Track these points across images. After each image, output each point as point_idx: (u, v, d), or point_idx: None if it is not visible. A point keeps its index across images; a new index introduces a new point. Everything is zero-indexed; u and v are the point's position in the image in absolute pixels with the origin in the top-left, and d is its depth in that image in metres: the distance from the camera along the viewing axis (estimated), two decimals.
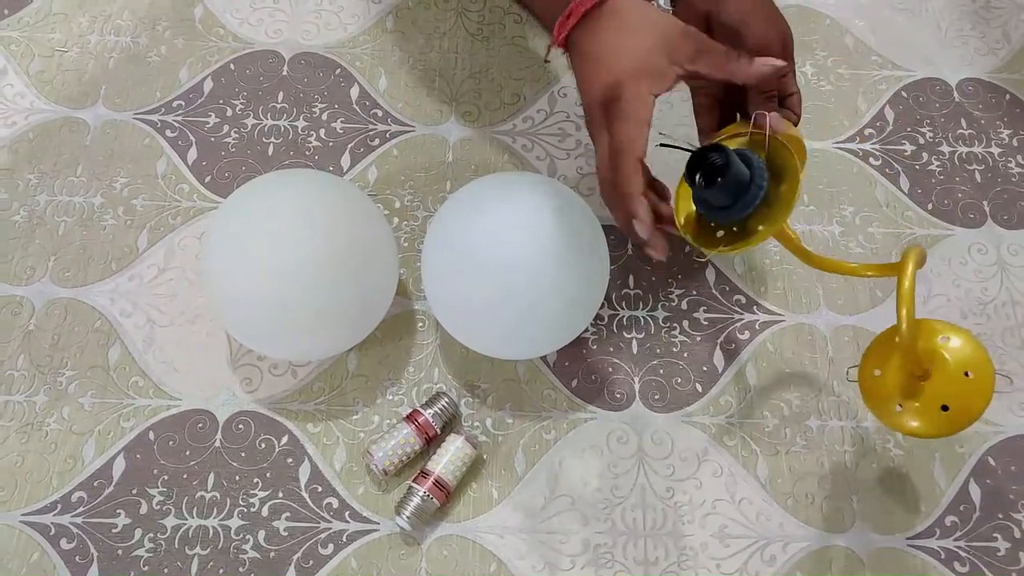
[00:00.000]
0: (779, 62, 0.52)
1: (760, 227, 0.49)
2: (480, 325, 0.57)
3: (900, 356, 0.52)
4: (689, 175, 0.48)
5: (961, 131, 0.75)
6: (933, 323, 0.53)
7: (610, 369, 0.63)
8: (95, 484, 0.58)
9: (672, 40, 0.52)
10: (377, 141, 0.72)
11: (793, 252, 0.57)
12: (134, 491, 0.58)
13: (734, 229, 0.51)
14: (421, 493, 0.56)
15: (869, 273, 0.58)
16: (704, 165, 0.48)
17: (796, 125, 0.58)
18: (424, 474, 0.57)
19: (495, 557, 0.57)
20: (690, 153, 0.48)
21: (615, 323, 0.65)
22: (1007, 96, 0.77)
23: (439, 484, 0.56)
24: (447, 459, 0.57)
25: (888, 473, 0.60)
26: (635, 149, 0.51)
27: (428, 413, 0.58)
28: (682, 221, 0.52)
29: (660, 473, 0.60)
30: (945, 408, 0.51)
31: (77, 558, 0.56)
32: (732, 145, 0.50)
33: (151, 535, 0.56)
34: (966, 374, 0.51)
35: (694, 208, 0.52)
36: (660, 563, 0.57)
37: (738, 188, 0.47)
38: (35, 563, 0.55)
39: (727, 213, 0.49)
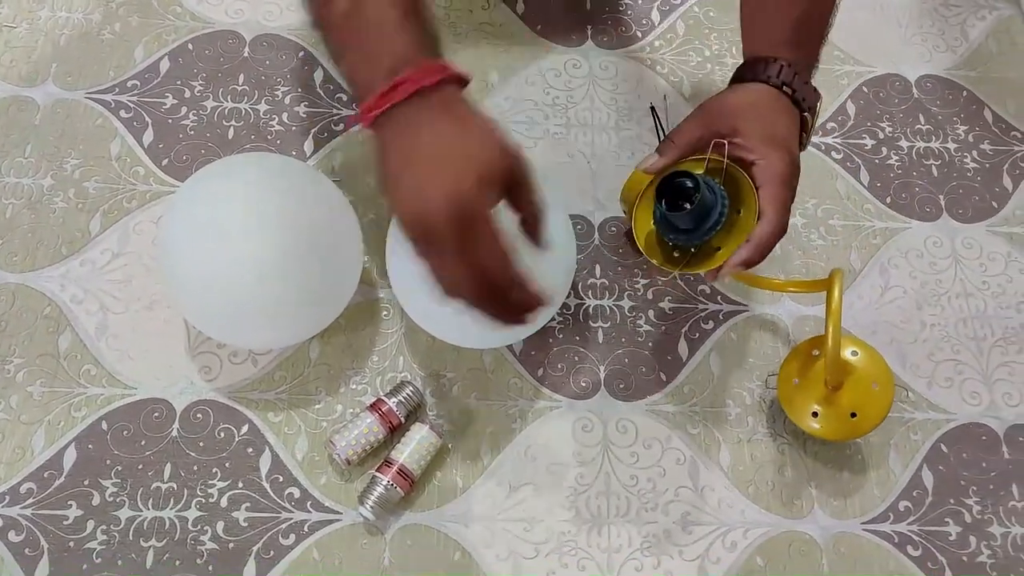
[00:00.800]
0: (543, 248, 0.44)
1: (718, 249, 0.51)
2: (446, 313, 0.56)
3: (818, 368, 0.59)
4: (658, 198, 0.49)
5: (919, 127, 0.76)
6: (844, 338, 0.59)
7: (576, 358, 0.63)
8: (45, 475, 0.56)
9: (507, 154, 0.42)
10: (341, 126, 0.70)
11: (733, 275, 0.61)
12: (86, 482, 0.56)
13: (691, 250, 0.52)
14: (384, 482, 0.55)
15: (792, 289, 0.63)
16: (675, 190, 0.49)
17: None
18: (388, 463, 0.56)
19: (459, 546, 0.56)
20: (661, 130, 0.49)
21: (581, 312, 0.65)
22: (964, 93, 0.78)
23: (403, 473, 0.55)
24: (411, 448, 0.56)
25: (845, 460, 0.62)
26: (515, 258, 0.42)
27: (392, 402, 0.58)
28: (643, 242, 0.53)
29: (624, 461, 0.60)
30: (854, 415, 0.58)
31: (26, 551, 0.54)
32: (686, 169, 0.51)
33: (104, 527, 0.55)
34: (873, 385, 0.58)
35: (653, 228, 0.53)
36: (623, 550, 0.57)
37: (703, 213, 0.49)
38: None
39: (689, 236, 0.50)
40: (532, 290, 0.43)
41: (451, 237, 0.40)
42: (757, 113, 0.50)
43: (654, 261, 0.52)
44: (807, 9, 0.53)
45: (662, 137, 0.52)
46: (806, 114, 0.52)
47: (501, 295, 0.42)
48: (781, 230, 0.49)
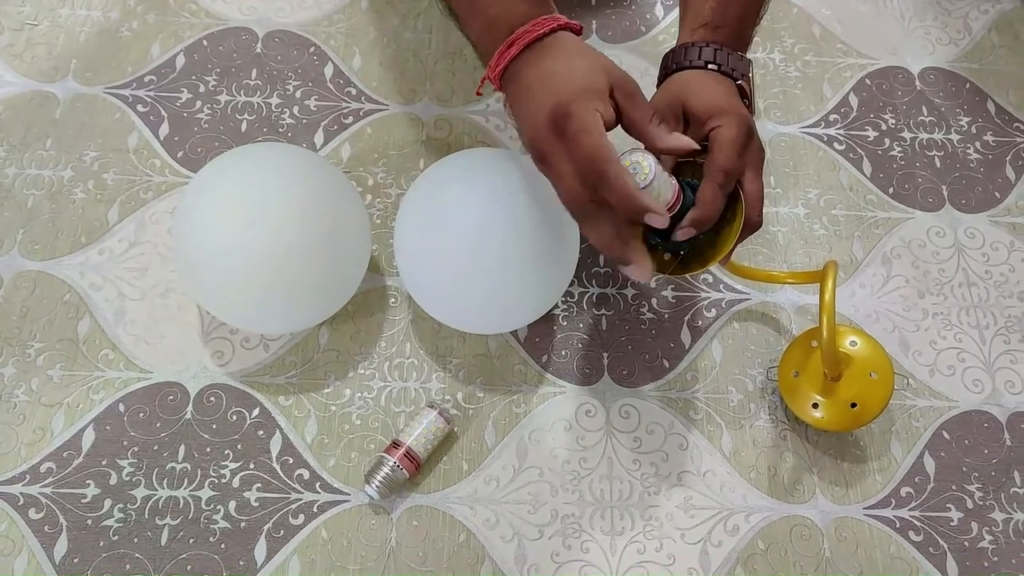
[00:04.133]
0: (691, 144, 0.47)
1: (707, 250, 0.51)
2: (452, 300, 0.57)
3: (817, 359, 0.59)
4: None
5: (922, 118, 0.77)
6: (841, 328, 0.60)
7: (579, 345, 0.65)
8: (64, 455, 0.58)
9: (613, 72, 0.48)
10: (351, 119, 0.72)
11: (728, 269, 0.64)
12: (104, 462, 0.58)
13: (681, 252, 0.52)
14: (391, 463, 0.56)
15: (788, 281, 0.63)
16: None
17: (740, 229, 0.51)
18: (396, 444, 0.57)
19: (464, 527, 0.58)
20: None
21: (585, 300, 0.66)
22: (967, 85, 0.79)
23: (409, 455, 0.57)
24: (419, 431, 0.57)
25: (846, 447, 0.62)
26: (612, 154, 0.45)
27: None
28: None
29: (627, 446, 0.61)
30: (854, 405, 0.58)
31: (46, 528, 0.55)
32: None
33: (121, 505, 0.56)
34: (871, 375, 0.58)
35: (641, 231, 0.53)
36: (626, 533, 0.58)
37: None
38: (3, 533, 0.55)
39: (675, 239, 0.50)
40: (635, 194, 0.45)
41: (550, 140, 0.46)
42: (692, 93, 0.51)
43: None
44: None
45: None
46: (740, 82, 0.52)
47: (622, 185, 0.45)
48: (721, 193, 0.49)
